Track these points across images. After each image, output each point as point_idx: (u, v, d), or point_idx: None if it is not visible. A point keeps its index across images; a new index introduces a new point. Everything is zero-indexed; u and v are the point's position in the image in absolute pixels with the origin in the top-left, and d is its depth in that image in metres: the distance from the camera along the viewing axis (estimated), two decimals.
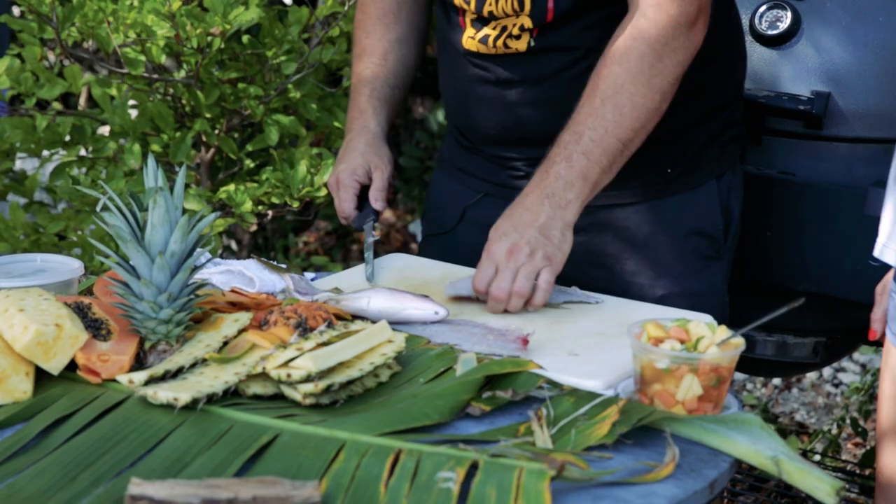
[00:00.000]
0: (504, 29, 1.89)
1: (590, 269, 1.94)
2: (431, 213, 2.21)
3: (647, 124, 1.81)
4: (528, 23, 1.86)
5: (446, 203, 2.16)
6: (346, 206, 1.99)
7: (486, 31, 1.91)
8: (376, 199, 2.00)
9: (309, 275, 1.94)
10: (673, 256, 1.97)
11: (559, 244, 1.76)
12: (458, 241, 2.11)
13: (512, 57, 1.91)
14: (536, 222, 1.76)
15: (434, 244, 2.17)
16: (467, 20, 1.93)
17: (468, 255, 1.85)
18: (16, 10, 3.87)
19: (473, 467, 1.25)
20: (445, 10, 1.99)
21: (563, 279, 1.82)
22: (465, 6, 1.91)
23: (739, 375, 3.81)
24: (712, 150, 2.01)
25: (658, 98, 1.80)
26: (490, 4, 1.87)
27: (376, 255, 1.96)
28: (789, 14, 2.26)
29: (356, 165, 2.01)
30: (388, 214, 6.00)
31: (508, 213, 1.80)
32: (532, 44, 1.88)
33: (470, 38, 1.93)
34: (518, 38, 1.88)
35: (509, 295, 1.72)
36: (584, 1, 1.85)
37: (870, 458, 3.06)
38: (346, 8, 2.64)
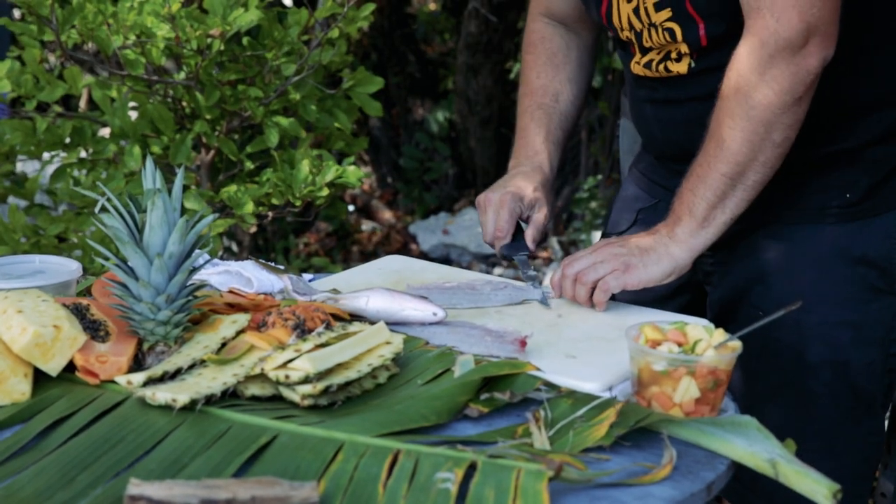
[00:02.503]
0: (668, 54, 1.88)
1: (755, 283, 1.91)
2: (612, 214, 2.22)
3: (757, 156, 1.74)
4: (685, 48, 1.84)
5: (624, 206, 2.17)
6: (503, 224, 1.97)
7: (650, 55, 1.90)
8: (532, 239, 1.99)
9: (307, 276, 1.95)
10: (839, 283, 1.86)
11: (647, 265, 1.76)
12: None
13: (676, 79, 1.89)
14: (642, 239, 1.80)
15: None
16: (636, 46, 1.93)
17: None
18: (16, 13, 3.87)
19: (472, 468, 1.25)
20: (619, 40, 1.99)
21: (722, 291, 1.87)
22: (631, 39, 1.92)
23: None
24: None
25: (762, 130, 1.72)
26: (647, 41, 1.87)
27: (376, 256, 1.96)
28: None
29: (525, 195, 2.00)
30: (388, 215, 6.00)
31: None
32: (693, 65, 1.85)
33: (637, 64, 1.94)
34: (678, 60, 1.86)
35: (575, 276, 1.78)
36: (737, 23, 1.77)
37: None
38: (345, 10, 2.64)
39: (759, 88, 1.71)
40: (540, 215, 2.00)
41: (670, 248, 1.78)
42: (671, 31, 1.82)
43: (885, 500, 2.38)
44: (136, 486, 1.16)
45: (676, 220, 1.79)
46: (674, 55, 1.87)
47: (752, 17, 1.70)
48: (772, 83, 1.70)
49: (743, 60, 1.72)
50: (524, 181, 2.02)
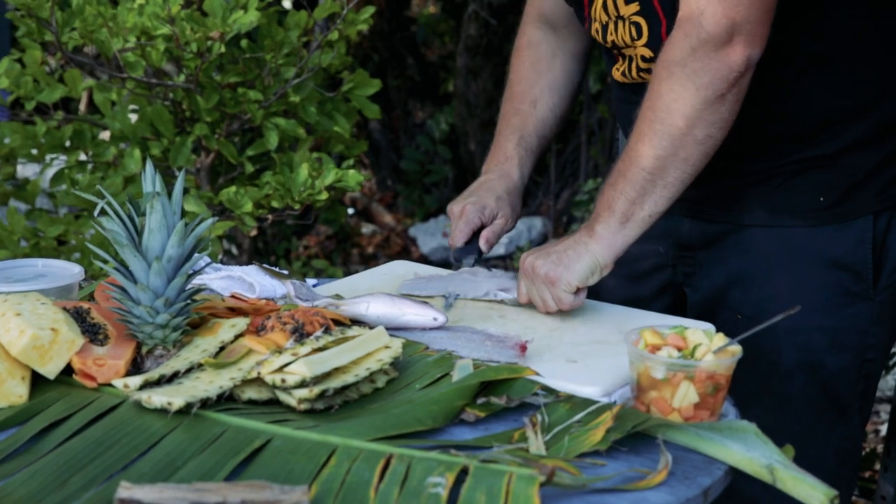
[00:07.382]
0: (631, 59, 1.86)
1: (729, 286, 1.90)
2: None
3: (678, 153, 1.70)
4: (647, 52, 1.83)
5: None
6: (459, 235, 2.00)
7: (626, 63, 1.89)
8: (486, 240, 2.00)
9: (311, 281, 1.94)
10: (815, 288, 1.84)
11: (569, 265, 1.75)
12: None
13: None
14: (557, 246, 1.78)
15: None
16: (616, 51, 1.91)
17: (626, 261, 1.84)
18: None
19: (464, 472, 1.25)
20: (604, 47, 1.97)
21: (702, 293, 1.88)
22: (597, 39, 1.89)
23: None
24: (874, 182, 1.84)
25: (682, 124, 1.68)
26: (611, 34, 1.86)
27: (376, 259, 1.97)
28: None
29: (487, 205, 2.02)
30: (388, 218, 6.00)
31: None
32: None
33: (616, 70, 1.93)
34: (648, 71, 1.82)
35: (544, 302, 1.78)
36: None
37: (868, 462, 3.05)
38: (344, 11, 2.64)
39: (680, 82, 1.68)
40: (500, 221, 2.01)
41: (590, 246, 1.76)
42: (637, 26, 1.81)
43: (885, 502, 2.38)
44: (126, 490, 1.16)
45: (597, 217, 1.77)
46: (641, 63, 1.85)
47: (682, 8, 1.69)
48: (693, 78, 1.67)
49: (668, 51, 1.70)
50: (488, 189, 2.04)
